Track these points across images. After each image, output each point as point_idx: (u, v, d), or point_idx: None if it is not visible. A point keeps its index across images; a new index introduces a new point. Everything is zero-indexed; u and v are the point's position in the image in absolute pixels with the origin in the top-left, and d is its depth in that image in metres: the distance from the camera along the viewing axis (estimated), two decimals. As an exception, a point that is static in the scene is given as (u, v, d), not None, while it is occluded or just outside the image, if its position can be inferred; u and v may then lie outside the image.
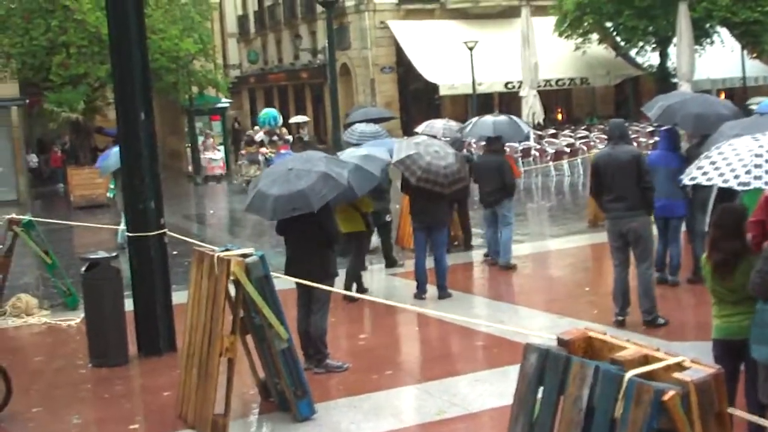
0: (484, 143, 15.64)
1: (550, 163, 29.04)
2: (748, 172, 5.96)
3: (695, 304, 11.29)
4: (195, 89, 35.13)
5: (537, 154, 29.95)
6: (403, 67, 42.46)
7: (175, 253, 14.08)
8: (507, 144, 17.50)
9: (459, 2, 42.42)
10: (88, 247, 17.18)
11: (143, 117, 10.50)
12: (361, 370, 9.46)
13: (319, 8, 38.02)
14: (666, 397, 4.08)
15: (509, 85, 38.41)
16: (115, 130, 11.83)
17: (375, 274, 14.32)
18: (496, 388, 8.41)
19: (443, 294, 12.42)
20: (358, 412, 8.19)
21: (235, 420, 7.89)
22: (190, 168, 36.49)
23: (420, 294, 12.51)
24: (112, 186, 19.74)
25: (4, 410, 8.56)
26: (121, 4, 10.48)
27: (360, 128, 16.24)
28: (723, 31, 38.79)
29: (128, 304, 10.61)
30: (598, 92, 45.56)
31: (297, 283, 9.16)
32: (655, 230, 11.23)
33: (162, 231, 10.63)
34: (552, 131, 35.71)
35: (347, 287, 12.40)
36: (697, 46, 34.95)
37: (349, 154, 12.59)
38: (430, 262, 12.61)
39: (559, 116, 45.57)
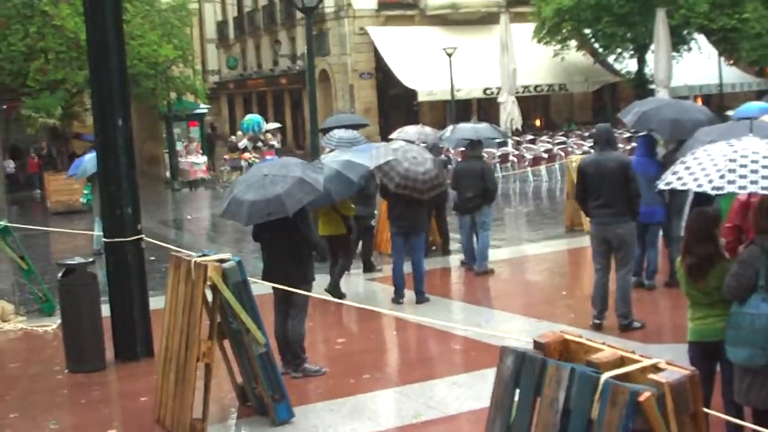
0: (462, 149, 15.66)
1: (528, 168, 29.19)
2: (722, 177, 5.99)
3: (672, 307, 11.35)
4: (173, 95, 35.06)
5: (515, 159, 30.10)
6: (382, 73, 42.46)
7: (152, 258, 14.06)
8: (485, 149, 17.58)
9: (438, 9, 42.48)
10: (65, 253, 17.12)
11: (121, 123, 10.46)
12: (339, 374, 9.47)
13: (299, 14, 37.91)
14: (642, 399, 4.10)
15: (488, 92, 38.51)
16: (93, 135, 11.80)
17: (353, 279, 14.32)
18: (473, 391, 8.42)
19: (421, 298, 12.44)
20: (336, 415, 8.19)
21: (212, 425, 7.88)
22: (168, 174, 36.38)
23: (398, 298, 12.52)
24: (86, 191, 19.58)
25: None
26: (99, 10, 10.43)
27: (338, 134, 16.25)
28: (700, 38, 39.06)
29: (105, 310, 10.57)
30: (576, 98, 45.74)
31: (274, 288, 9.16)
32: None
33: (139, 236, 10.60)
34: (530, 137, 35.93)
35: (336, 284, 12.74)
36: (674, 53, 35.23)
37: (331, 159, 12.65)
38: (407, 267, 12.64)
39: (538, 122, 45.71)
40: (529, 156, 30.04)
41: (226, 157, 31.22)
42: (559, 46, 39.45)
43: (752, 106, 13.06)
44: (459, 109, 37.05)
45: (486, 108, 41.07)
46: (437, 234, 16.02)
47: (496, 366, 4.91)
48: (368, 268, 14.68)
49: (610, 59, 41.33)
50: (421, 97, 39.27)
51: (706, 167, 6.25)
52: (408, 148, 12.90)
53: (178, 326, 7.94)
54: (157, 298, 10.71)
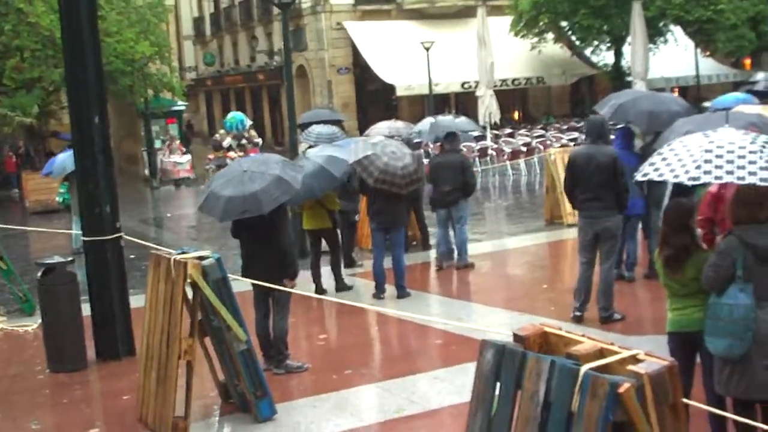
0: (440, 143, 15.63)
1: (507, 162, 29.23)
2: (698, 167, 6.02)
3: (651, 299, 11.41)
4: (150, 92, 34.90)
5: (494, 153, 30.13)
6: (360, 68, 42.46)
7: (132, 256, 14.01)
8: (463, 143, 17.57)
9: (415, 3, 42.49)
10: (44, 252, 17.04)
11: (97, 121, 10.41)
12: (321, 370, 9.48)
13: (275, 10, 37.84)
14: (621, 390, 4.12)
15: (466, 85, 38.53)
16: (71, 134, 11.73)
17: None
18: (454, 386, 8.45)
19: (402, 293, 12.46)
20: (319, 411, 8.20)
21: (195, 422, 7.88)
22: (146, 172, 36.19)
23: (379, 294, 12.54)
24: (62, 190, 19.43)
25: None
26: (74, 7, 10.39)
27: (317, 130, 16.21)
28: (677, 30, 39.21)
29: (85, 309, 10.55)
30: (554, 91, 45.88)
31: (254, 285, 9.15)
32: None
33: (118, 235, 10.57)
34: (509, 131, 36.00)
35: (339, 278, 13.08)
36: (651, 45, 35.35)
37: (314, 154, 12.67)
38: (388, 262, 12.65)
39: (516, 116, 45.81)
40: (507, 150, 30.07)
41: (210, 156, 31.00)
42: (536, 39, 39.54)
43: (729, 97, 13.10)
44: (437, 103, 37.06)
45: (464, 102, 41.14)
46: (416, 229, 16.03)
47: (477, 360, 4.93)
48: (349, 263, 14.68)
49: (587, 52, 41.47)
50: (399, 92, 39.28)
51: (682, 158, 6.27)
52: (387, 142, 12.90)
53: (158, 324, 7.92)
54: (138, 297, 10.68)
